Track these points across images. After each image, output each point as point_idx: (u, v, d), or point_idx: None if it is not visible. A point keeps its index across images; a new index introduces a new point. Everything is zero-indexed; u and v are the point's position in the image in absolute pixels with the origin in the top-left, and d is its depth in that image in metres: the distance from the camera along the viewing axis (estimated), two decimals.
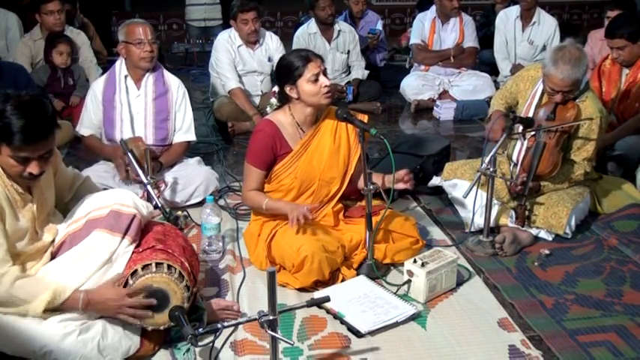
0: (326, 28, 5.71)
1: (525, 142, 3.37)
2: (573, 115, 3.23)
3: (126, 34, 3.63)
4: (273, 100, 3.11)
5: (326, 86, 2.87)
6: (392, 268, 3.05)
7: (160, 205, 3.21)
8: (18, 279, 2.18)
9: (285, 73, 2.91)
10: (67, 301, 2.21)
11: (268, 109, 3.18)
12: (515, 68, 5.74)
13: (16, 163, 2.19)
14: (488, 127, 3.44)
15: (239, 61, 5.05)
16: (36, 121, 2.15)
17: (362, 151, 2.93)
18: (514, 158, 3.44)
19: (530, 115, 3.35)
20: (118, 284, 2.27)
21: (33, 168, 2.20)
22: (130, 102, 3.69)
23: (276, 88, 3.06)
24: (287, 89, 2.92)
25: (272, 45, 5.15)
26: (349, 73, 5.87)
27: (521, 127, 3.31)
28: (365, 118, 2.96)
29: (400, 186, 3.03)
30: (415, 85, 5.84)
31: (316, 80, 2.86)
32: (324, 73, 2.89)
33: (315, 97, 2.88)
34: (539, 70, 3.46)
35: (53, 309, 2.21)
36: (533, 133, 3.28)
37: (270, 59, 5.14)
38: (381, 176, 3.05)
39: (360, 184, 3.05)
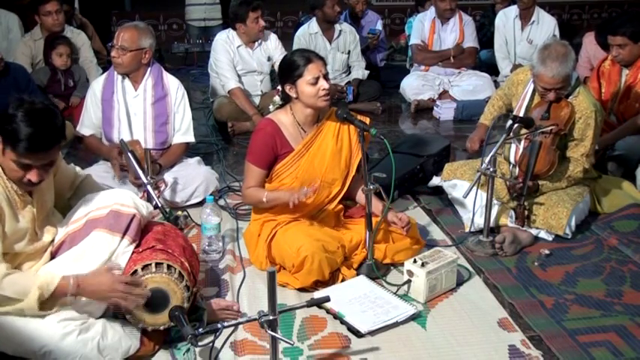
0: (327, 27, 5.71)
1: (522, 143, 3.37)
2: (568, 113, 3.24)
3: None
4: (277, 98, 3.11)
5: (324, 89, 2.87)
6: (392, 268, 3.05)
7: (159, 205, 3.21)
8: (5, 276, 2.17)
9: (286, 72, 2.92)
10: (58, 288, 2.18)
11: (271, 107, 3.17)
12: (515, 68, 5.74)
13: (17, 168, 2.19)
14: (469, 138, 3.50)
15: (238, 60, 5.05)
16: (43, 132, 2.15)
17: (362, 152, 2.93)
18: (512, 159, 3.45)
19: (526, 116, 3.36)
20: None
21: (32, 176, 2.20)
22: (127, 102, 3.68)
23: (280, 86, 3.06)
24: (287, 88, 2.93)
25: (271, 44, 5.16)
26: (349, 73, 5.87)
27: (513, 129, 3.31)
28: (367, 120, 2.96)
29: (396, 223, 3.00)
30: (415, 85, 5.84)
31: (315, 83, 2.86)
32: (325, 77, 2.89)
33: (312, 98, 2.88)
34: (527, 73, 3.47)
35: (48, 299, 2.20)
36: (527, 133, 3.29)
37: (269, 59, 5.14)
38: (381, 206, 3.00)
39: (358, 192, 3.06)
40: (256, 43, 5.10)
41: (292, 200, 2.78)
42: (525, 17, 5.96)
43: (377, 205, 2.98)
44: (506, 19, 6.06)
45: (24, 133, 2.11)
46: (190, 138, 3.84)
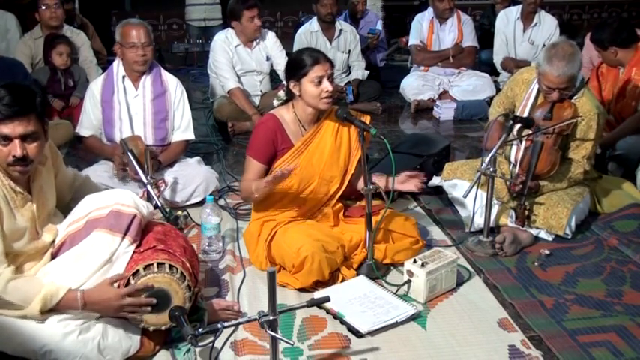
0: (328, 26, 5.71)
1: (523, 143, 3.37)
2: (570, 113, 3.23)
3: (121, 36, 3.62)
4: (281, 93, 3.12)
5: (327, 91, 2.88)
6: (392, 268, 3.05)
7: (160, 205, 3.22)
8: (10, 281, 2.17)
9: (292, 69, 2.93)
10: (63, 301, 2.20)
11: (275, 101, 3.18)
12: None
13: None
14: (486, 136, 3.48)
15: (237, 60, 5.05)
16: (19, 96, 2.17)
17: (362, 151, 2.93)
18: (512, 159, 3.45)
19: (525, 116, 3.36)
20: (118, 284, 2.27)
21: (15, 149, 2.19)
22: (128, 102, 3.69)
23: (285, 82, 3.07)
24: (291, 85, 2.94)
25: (269, 43, 5.16)
26: (349, 73, 5.87)
27: (517, 128, 3.31)
28: (367, 119, 2.96)
29: (407, 187, 3.04)
30: (415, 85, 5.84)
31: (319, 83, 2.87)
32: (329, 78, 2.90)
33: (314, 99, 2.89)
34: (532, 73, 3.47)
35: (52, 309, 2.21)
36: (529, 133, 3.29)
37: (268, 58, 5.14)
38: (384, 178, 3.04)
39: (360, 185, 3.06)
40: (254, 43, 5.10)
41: (272, 178, 2.74)
42: (528, 19, 5.95)
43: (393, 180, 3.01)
44: (507, 20, 6.04)
45: (1, 96, 2.14)
46: (190, 135, 3.85)
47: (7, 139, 2.19)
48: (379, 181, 3.00)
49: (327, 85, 2.88)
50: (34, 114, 2.22)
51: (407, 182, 3.06)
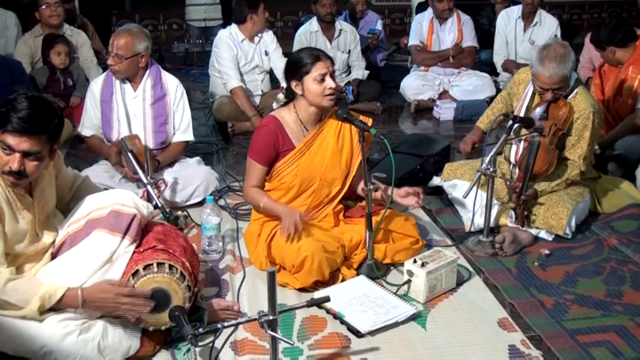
0: (327, 26, 5.71)
1: (522, 143, 3.38)
2: (566, 112, 3.25)
3: None
4: (280, 96, 3.12)
5: (330, 88, 2.88)
6: (392, 268, 3.05)
7: (160, 205, 3.22)
8: (9, 281, 2.17)
9: (293, 68, 2.92)
10: (63, 300, 2.20)
11: (274, 104, 3.19)
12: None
13: (1, 153, 2.18)
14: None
15: (241, 56, 5.06)
16: (37, 114, 2.16)
17: (363, 152, 2.93)
18: (512, 159, 3.45)
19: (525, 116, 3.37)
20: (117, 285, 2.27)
21: (12, 162, 2.17)
22: (126, 103, 3.69)
23: (284, 84, 3.07)
24: (293, 84, 2.93)
25: (268, 39, 5.21)
26: (349, 73, 5.87)
27: (513, 130, 3.31)
28: (369, 121, 2.96)
29: (407, 201, 3.02)
30: (415, 85, 5.83)
31: (322, 80, 2.87)
32: (332, 75, 2.89)
33: (317, 97, 2.89)
34: (529, 73, 3.47)
35: (51, 308, 2.21)
36: (526, 133, 3.29)
37: (266, 53, 5.16)
38: (383, 187, 3.01)
39: (360, 186, 3.05)
40: (257, 38, 5.12)
41: (285, 228, 2.81)
42: (529, 18, 5.95)
43: (396, 191, 2.99)
44: (508, 19, 6.04)
45: (18, 110, 2.13)
46: (189, 137, 3.85)
47: (10, 149, 2.17)
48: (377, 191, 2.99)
49: (330, 82, 2.88)
50: (46, 135, 2.21)
51: (407, 197, 3.01)
